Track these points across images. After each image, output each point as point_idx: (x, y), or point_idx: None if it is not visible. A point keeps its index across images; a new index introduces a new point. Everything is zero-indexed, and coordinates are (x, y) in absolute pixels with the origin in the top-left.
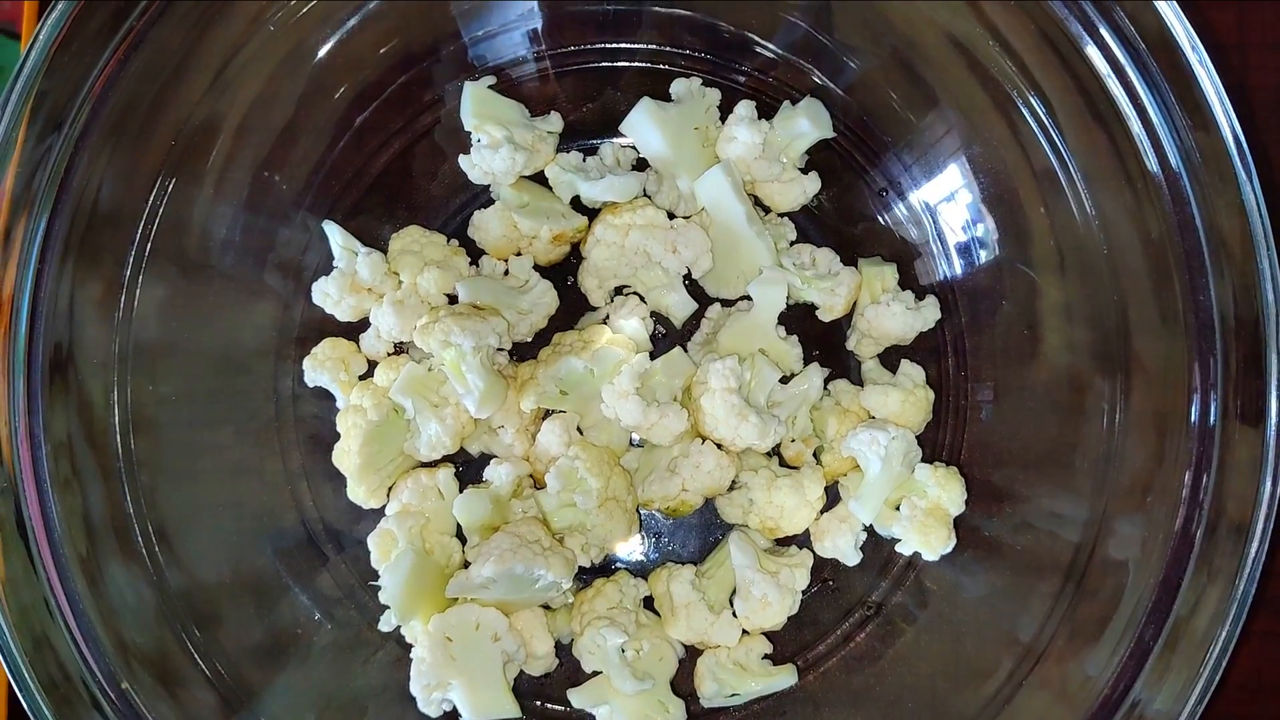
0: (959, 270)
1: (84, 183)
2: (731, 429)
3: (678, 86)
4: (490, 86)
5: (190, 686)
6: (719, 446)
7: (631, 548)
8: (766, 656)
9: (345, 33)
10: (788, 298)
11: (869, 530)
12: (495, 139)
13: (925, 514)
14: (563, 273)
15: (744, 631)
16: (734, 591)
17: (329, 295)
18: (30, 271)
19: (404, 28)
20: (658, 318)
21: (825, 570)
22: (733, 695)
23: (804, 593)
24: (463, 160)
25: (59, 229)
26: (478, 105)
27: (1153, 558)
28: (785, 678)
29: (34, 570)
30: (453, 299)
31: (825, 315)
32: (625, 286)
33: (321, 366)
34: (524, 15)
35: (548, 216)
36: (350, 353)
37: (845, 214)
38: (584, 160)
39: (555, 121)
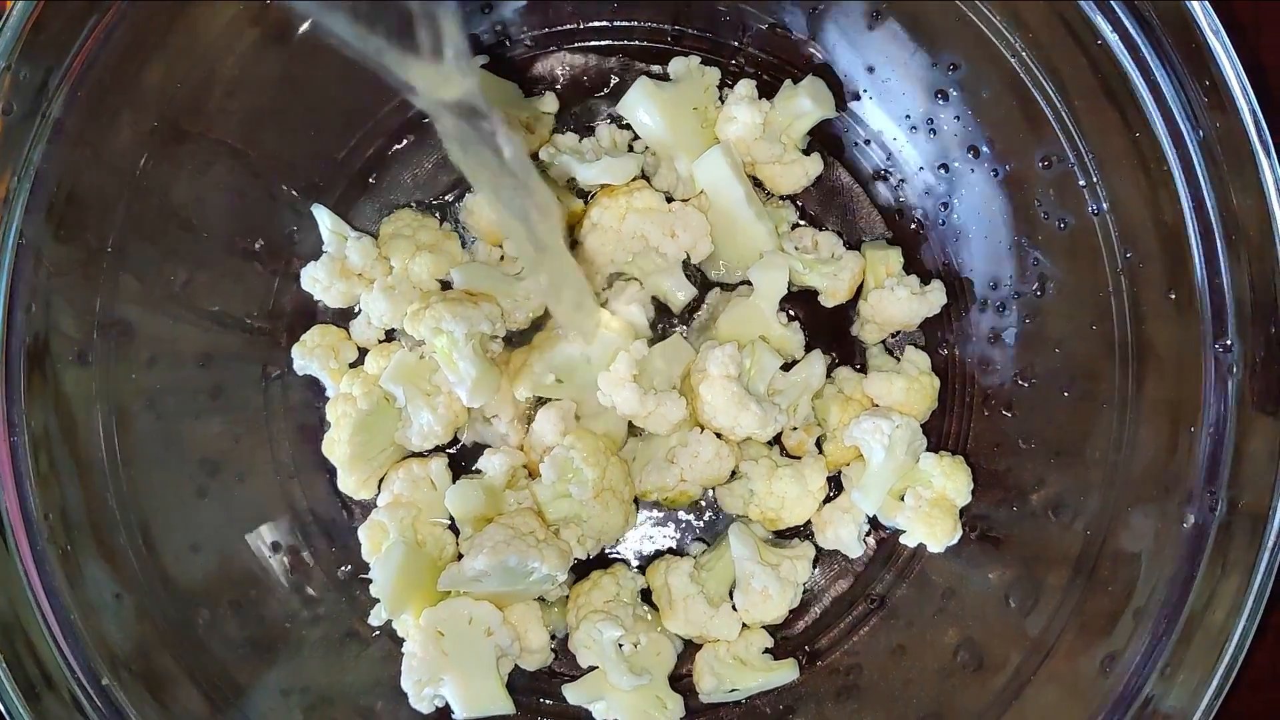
0: (966, 254)
1: (62, 168)
2: (731, 417)
3: (676, 65)
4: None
5: (175, 685)
6: (718, 435)
7: (629, 539)
8: (767, 651)
9: None
10: (789, 282)
11: (872, 521)
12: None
13: (930, 505)
14: None
15: (744, 625)
16: (734, 584)
17: (318, 281)
18: (7, 259)
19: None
20: (656, 303)
21: (828, 562)
22: (732, 690)
23: (805, 585)
24: None
25: (36, 215)
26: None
27: (1166, 550)
28: (786, 672)
29: (12, 568)
30: (447, 284)
31: (828, 300)
32: (622, 272)
33: (311, 354)
34: None
35: None
36: (340, 340)
37: (848, 196)
38: (580, 142)
39: (550, 102)
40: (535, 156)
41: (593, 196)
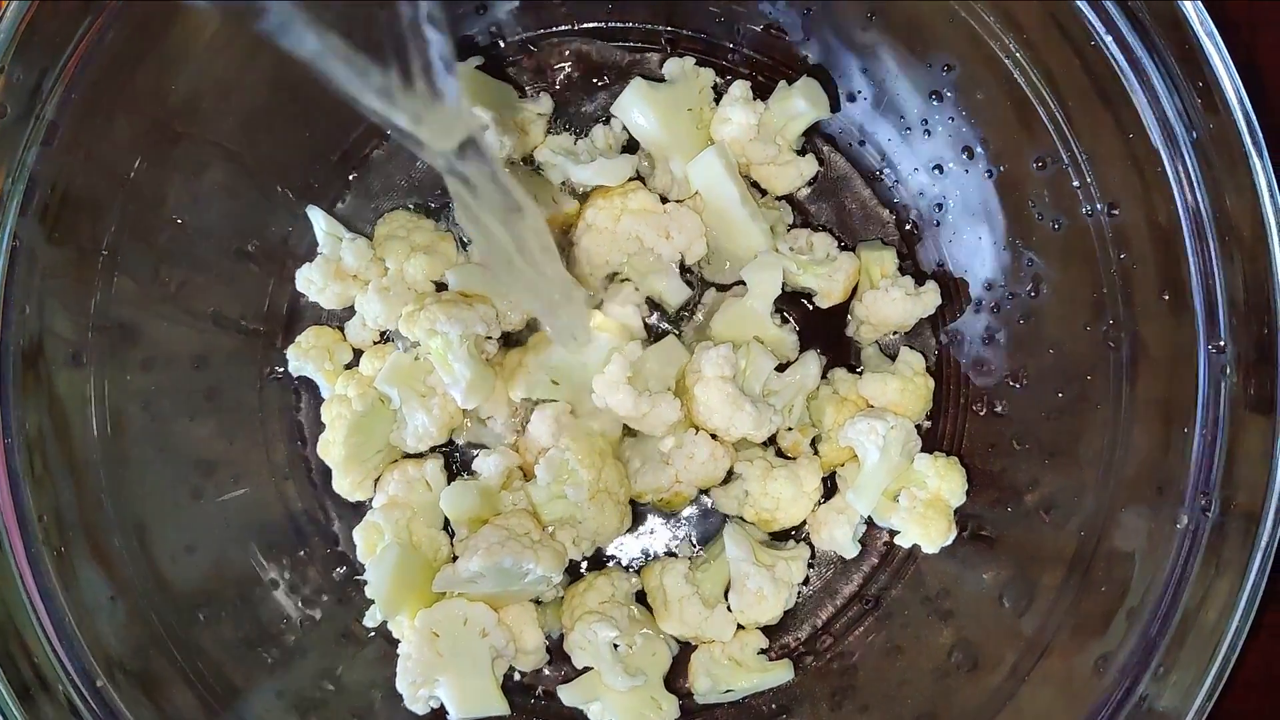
0: (960, 255)
1: (56, 170)
2: (726, 418)
3: (671, 66)
4: (477, 67)
5: (170, 687)
6: (713, 436)
7: (624, 540)
8: (762, 651)
9: None
10: (784, 283)
11: (868, 522)
12: (482, 122)
13: (925, 505)
14: None
15: (739, 626)
16: (729, 585)
17: (313, 282)
18: (1, 261)
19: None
20: (650, 304)
21: (822, 563)
22: (727, 691)
23: (800, 586)
24: None
25: (30, 217)
26: (464, 86)
27: (1159, 549)
28: (781, 673)
29: (6, 570)
30: (442, 286)
31: (823, 301)
32: (617, 273)
33: (306, 355)
34: None
35: (537, 201)
36: (335, 341)
37: (843, 197)
38: (574, 143)
39: (544, 103)
40: (530, 159)
41: (587, 197)
